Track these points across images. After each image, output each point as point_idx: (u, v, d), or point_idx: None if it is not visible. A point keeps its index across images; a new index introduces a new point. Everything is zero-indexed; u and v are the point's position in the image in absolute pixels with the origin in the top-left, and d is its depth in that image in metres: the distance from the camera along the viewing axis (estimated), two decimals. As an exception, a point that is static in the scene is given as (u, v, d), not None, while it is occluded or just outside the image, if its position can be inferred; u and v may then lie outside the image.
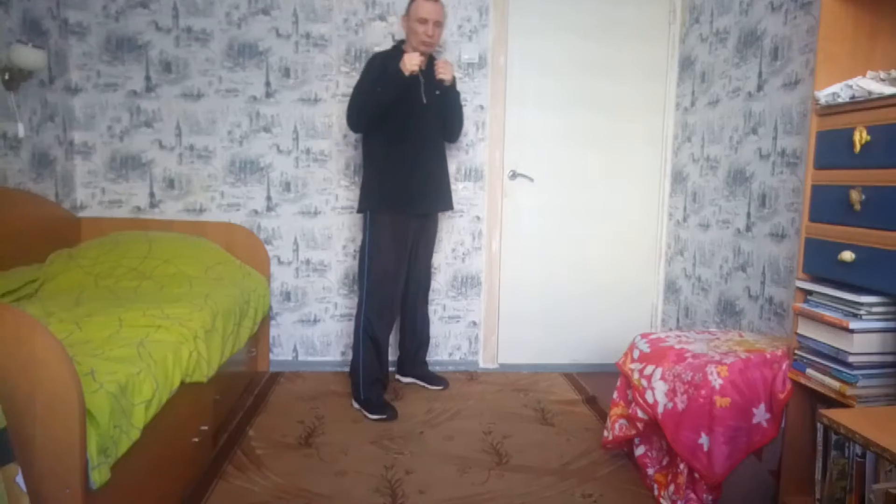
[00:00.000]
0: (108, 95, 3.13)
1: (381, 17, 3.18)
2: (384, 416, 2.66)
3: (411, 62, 2.58)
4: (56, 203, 2.95)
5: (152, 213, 3.21)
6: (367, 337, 2.75)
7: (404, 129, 2.74)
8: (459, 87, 3.16)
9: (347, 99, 2.81)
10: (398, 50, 2.74)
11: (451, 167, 3.26)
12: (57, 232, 2.87)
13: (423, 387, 3.09)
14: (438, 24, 2.72)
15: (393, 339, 3.09)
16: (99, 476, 1.40)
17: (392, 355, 3.14)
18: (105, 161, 3.17)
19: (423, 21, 2.66)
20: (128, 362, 1.67)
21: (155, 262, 2.70)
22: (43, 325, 1.34)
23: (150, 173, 3.19)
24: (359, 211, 2.84)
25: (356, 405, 2.76)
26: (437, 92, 2.79)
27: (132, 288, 2.52)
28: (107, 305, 2.13)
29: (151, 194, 3.21)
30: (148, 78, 3.14)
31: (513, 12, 3.25)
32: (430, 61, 2.80)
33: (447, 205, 2.98)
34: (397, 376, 3.16)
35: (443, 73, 2.73)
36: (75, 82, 3.11)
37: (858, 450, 1.58)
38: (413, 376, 3.13)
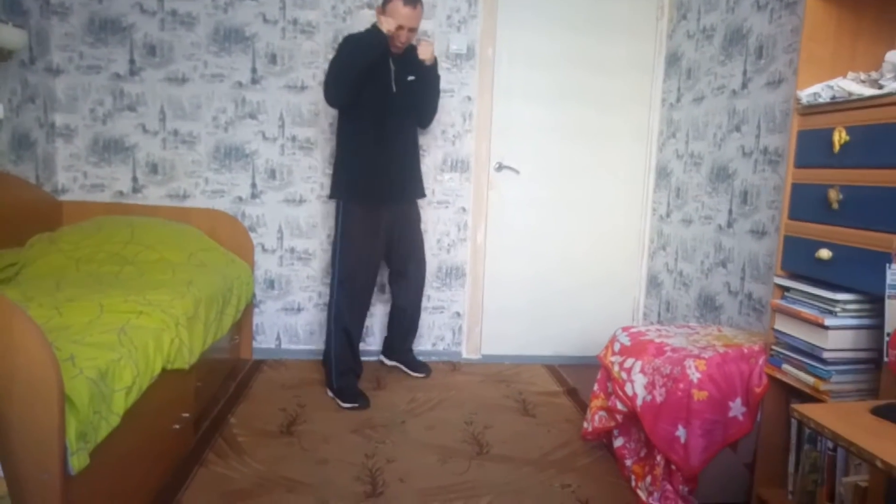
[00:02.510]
0: (90, 78, 3.09)
1: (369, 5, 3.16)
2: (356, 405, 2.68)
3: (388, 22, 2.60)
4: (37, 186, 2.91)
5: (135, 198, 3.18)
6: (339, 328, 2.77)
7: (374, 118, 2.72)
8: (448, 77, 3.16)
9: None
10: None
11: (438, 157, 3.27)
12: (37, 215, 2.84)
13: (406, 373, 3.10)
14: (413, 30, 2.70)
15: (381, 322, 3.12)
16: (78, 462, 1.40)
17: (378, 337, 3.17)
18: (87, 144, 3.13)
19: (399, 27, 2.64)
20: (108, 348, 1.66)
21: (137, 247, 2.68)
22: (22, 310, 1.33)
23: (134, 158, 3.16)
24: (329, 197, 2.83)
25: (330, 394, 2.78)
26: (411, 78, 2.77)
27: (114, 273, 2.50)
28: (88, 291, 2.11)
29: (134, 179, 3.17)
30: (132, 61, 3.10)
31: (502, 4, 3.25)
32: (406, 51, 2.78)
33: (417, 193, 2.95)
34: (381, 357, 3.19)
35: (422, 53, 2.73)
36: (57, 63, 3.06)
37: (830, 444, 1.62)
38: (397, 360, 3.15)
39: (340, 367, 2.77)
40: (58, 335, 1.67)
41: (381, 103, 2.72)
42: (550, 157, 3.39)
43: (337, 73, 2.63)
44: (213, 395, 2.67)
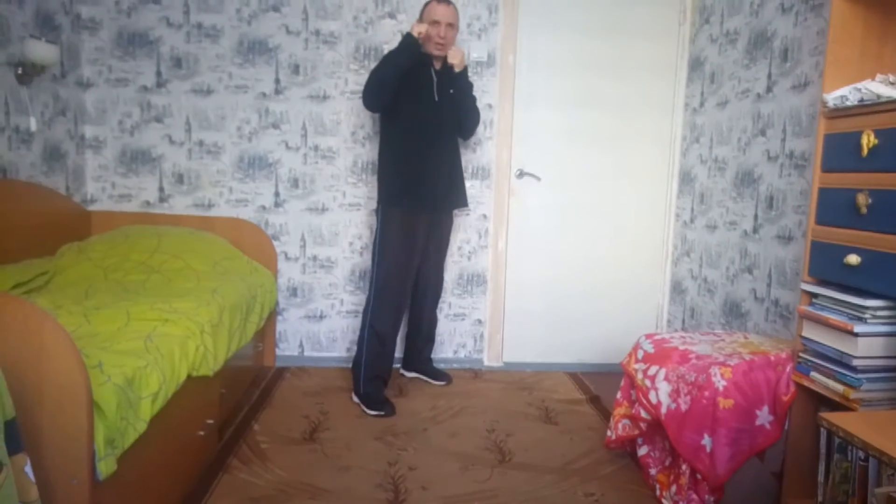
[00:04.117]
0: (119, 90, 3.16)
1: (391, 15, 3.19)
2: (382, 413, 2.68)
3: (419, 26, 2.68)
4: (67, 196, 2.98)
5: (161, 207, 3.23)
6: (374, 333, 2.77)
7: (417, 127, 2.77)
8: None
9: (356, 96, 2.82)
10: None
11: (459, 165, 3.27)
12: (67, 225, 2.90)
13: (427, 382, 3.10)
14: (451, 27, 2.76)
15: (399, 335, 3.12)
16: (105, 467, 1.42)
17: (398, 351, 3.17)
18: (115, 155, 3.20)
19: (436, 23, 2.71)
20: (135, 355, 1.69)
21: (163, 256, 2.73)
22: (52, 318, 1.36)
23: (160, 168, 3.22)
24: (377, 203, 2.88)
25: (355, 399, 2.79)
26: (452, 90, 2.83)
27: (140, 282, 2.54)
28: (115, 299, 2.15)
29: (161, 189, 3.23)
30: (159, 73, 3.17)
31: (522, 11, 3.25)
32: (444, 63, 2.84)
33: (460, 202, 2.99)
34: (401, 371, 3.19)
35: (451, 58, 2.77)
36: (87, 77, 3.13)
37: (861, 453, 1.58)
38: (417, 371, 3.15)
39: (370, 373, 2.77)
40: (86, 342, 1.70)
41: (424, 113, 2.77)
42: (572, 164, 3.37)
43: (371, 77, 2.71)
44: (237, 402, 2.69)
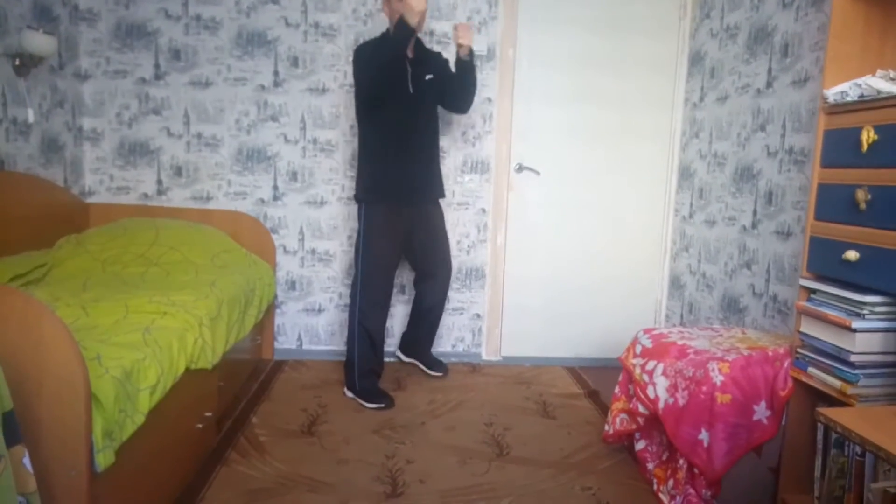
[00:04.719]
0: (117, 82, 3.14)
1: (390, 8, 3.17)
2: (382, 405, 2.68)
3: (418, 4, 2.49)
4: (65, 188, 2.97)
5: (160, 200, 3.23)
6: (364, 330, 2.76)
7: (392, 121, 2.72)
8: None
9: (355, 89, 2.78)
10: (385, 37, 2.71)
11: (458, 159, 3.27)
12: (65, 217, 2.89)
13: (423, 371, 3.11)
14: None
15: (401, 323, 3.16)
16: (104, 459, 1.42)
17: (398, 338, 3.20)
18: (113, 148, 3.19)
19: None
20: (133, 348, 1.69)
21: (162, 249, 2.72)
22: (50, 310, 1.35)
23: (158, 160, 3.21)
24: (355, 200, 2.85)
25: (349, 394, 2.79)
26: (429, 77, 2.78)
27: (139, 274, 2.54)
28: (113, 291, 2.15)
29: (159, 181, 3.22)
30: (157, 65, 3.15)
31: (522, 5, 3.24)
32: (418, 49, 2.78)
33: (438, 194, 2.93)
34: (398, 353, 3.20)
35: (462, 38, 2.68)
36: (85, 69, 3.12)
37: (858, 448, 1.59)
38: (416, 358, 3.16)
39: (363, 368, 2.77)
40: (85, 335, 1.70)
41: (399, 106, 2.72)
42: (571, 159, 3.37)
43: (370, 72, 2.60)
44: (235, 395, 2.69)
